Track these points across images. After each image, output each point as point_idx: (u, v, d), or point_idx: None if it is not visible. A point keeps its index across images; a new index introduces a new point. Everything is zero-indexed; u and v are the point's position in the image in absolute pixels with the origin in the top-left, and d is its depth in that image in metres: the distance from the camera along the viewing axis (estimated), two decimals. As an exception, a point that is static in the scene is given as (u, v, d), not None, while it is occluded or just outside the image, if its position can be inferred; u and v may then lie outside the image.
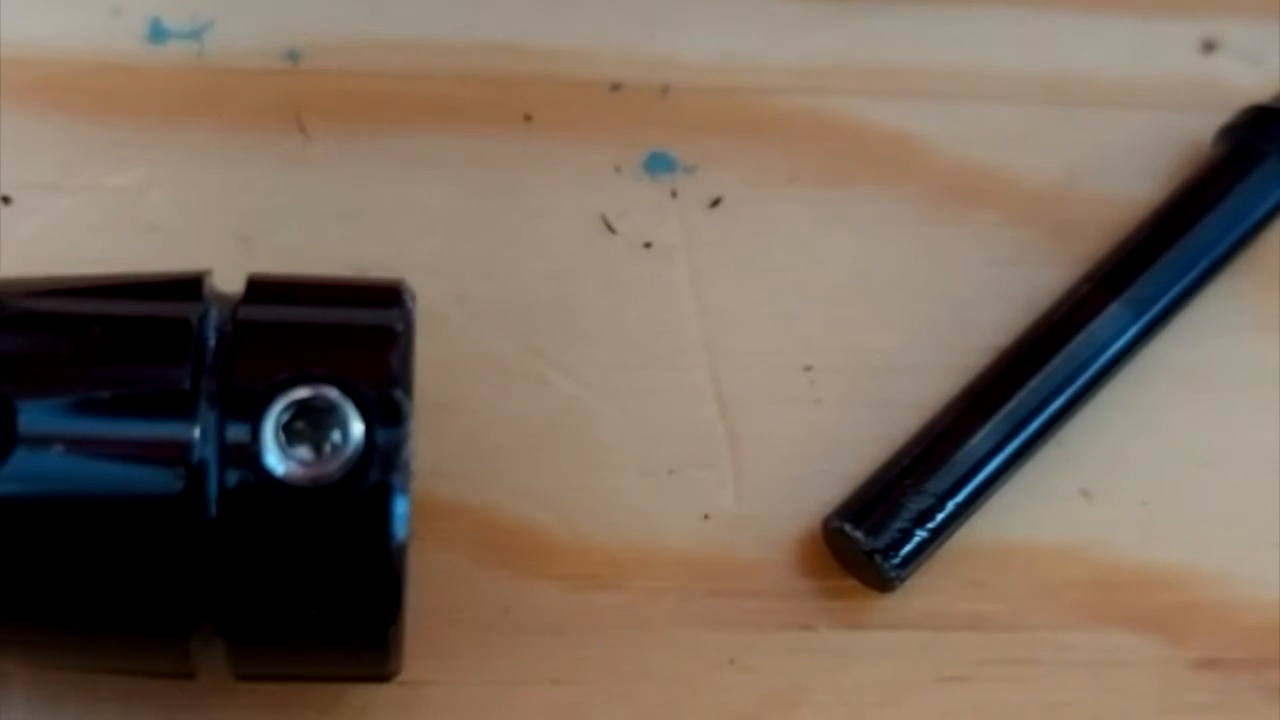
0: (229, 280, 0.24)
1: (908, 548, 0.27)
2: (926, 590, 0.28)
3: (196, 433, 0.22)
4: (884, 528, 0.27)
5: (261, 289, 0.23)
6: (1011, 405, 0.28)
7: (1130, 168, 0.31)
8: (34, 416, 0.21)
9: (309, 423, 0.22)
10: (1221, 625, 0.28)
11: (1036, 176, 0.31)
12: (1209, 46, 0.33)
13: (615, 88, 0.31)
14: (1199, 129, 0.31)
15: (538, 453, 0.28)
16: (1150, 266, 0.29)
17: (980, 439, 0.28)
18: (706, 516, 0.28)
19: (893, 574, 0.27)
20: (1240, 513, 0.29)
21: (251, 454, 0.21)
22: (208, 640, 0.23)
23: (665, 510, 0.28)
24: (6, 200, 0.28)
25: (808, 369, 0.29)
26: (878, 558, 0.27)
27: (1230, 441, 0.29)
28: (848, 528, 0.27)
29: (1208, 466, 0.29)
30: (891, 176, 0.31)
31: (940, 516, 0.27)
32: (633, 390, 0.29)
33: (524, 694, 0.27)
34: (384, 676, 0.24)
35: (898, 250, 0.30)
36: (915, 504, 0.27)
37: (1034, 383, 0.28)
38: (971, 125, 0.31)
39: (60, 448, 0.21)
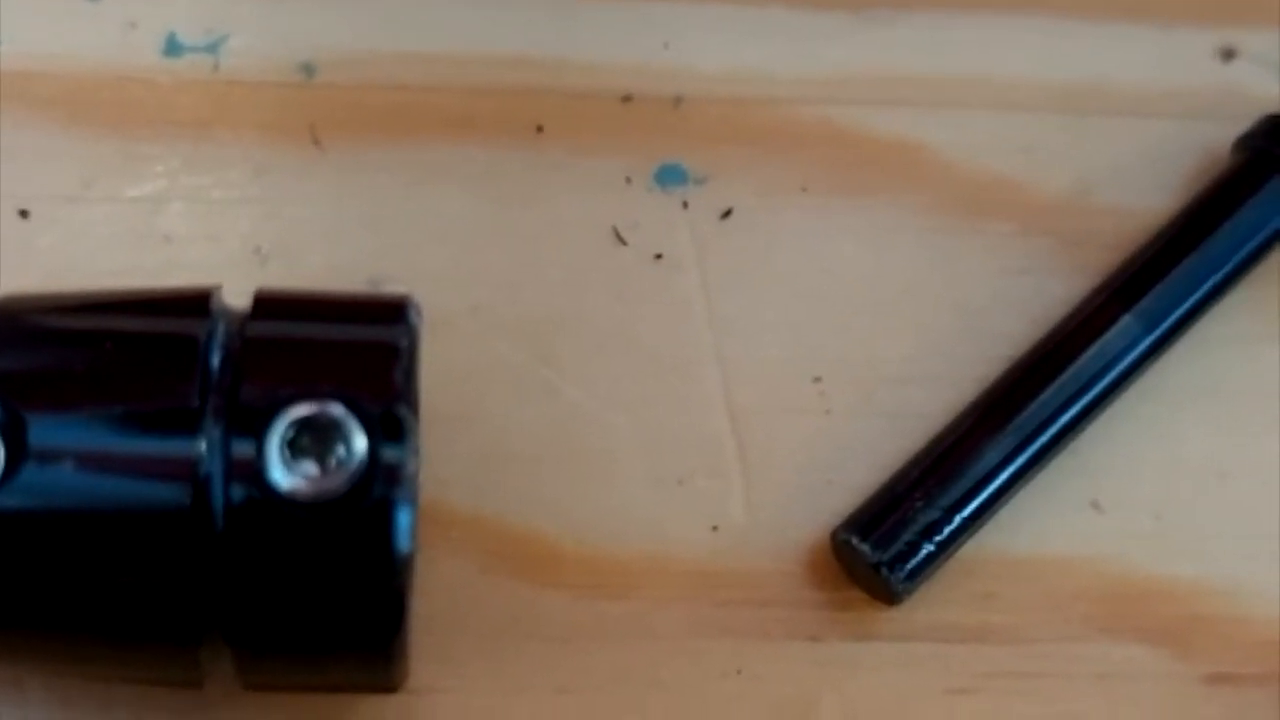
0: (244, 289, 0.24)
1: (915, 561, 0.27)
2: (934, 602, 0.28)
3: (203, 448, 0.22)
4: (891, 541, 0.27)
5: (268, 305, 0.24)
6: (1022, 417, 0.28)
7: (1145, 177, 0.31)
8: (44, 431, 0.22)
9: (314, 438, 0.22)
10: (1233, 639, 0.28)
11: (1050, 186, 0.31)
12: (1228, 55, 0.32)
13: (626, 99, 0.31)
14: (1217, 138, 0.31)
15: (548, 462, 0.28)
16: (1163, 279, 0.29)
17: (990, 451, 0.28)
18: (715, 527, 0.28)
19: (899, 587, 0.27)
20: (1252, 526, 0.29)
21: (257, 470, 0.22)
22: (217, 650, 0.23)
23: (674, 520, 0.28)
24: (24, 213, 0.29)
25: (817, 379, 0.29)
26: (884, 570, 0.27)
27: (1242, 454, 0.29)
28: (855, 540, 0.27)
29: (1220, 479, 0.29)
30: (903, 186, 0.31)
31: (948, 529, 0.27)
32: (643, 400, 0.29)
33: (533, 702, 0.27)
34: (389, 687, 0.24)
35: (909, 260, 0.30)
36: (923, 517, 0.27)
37: (1045, 394, 0.28)
38: (984, 135, 0.31)
39: (70, 462, 0.22)
